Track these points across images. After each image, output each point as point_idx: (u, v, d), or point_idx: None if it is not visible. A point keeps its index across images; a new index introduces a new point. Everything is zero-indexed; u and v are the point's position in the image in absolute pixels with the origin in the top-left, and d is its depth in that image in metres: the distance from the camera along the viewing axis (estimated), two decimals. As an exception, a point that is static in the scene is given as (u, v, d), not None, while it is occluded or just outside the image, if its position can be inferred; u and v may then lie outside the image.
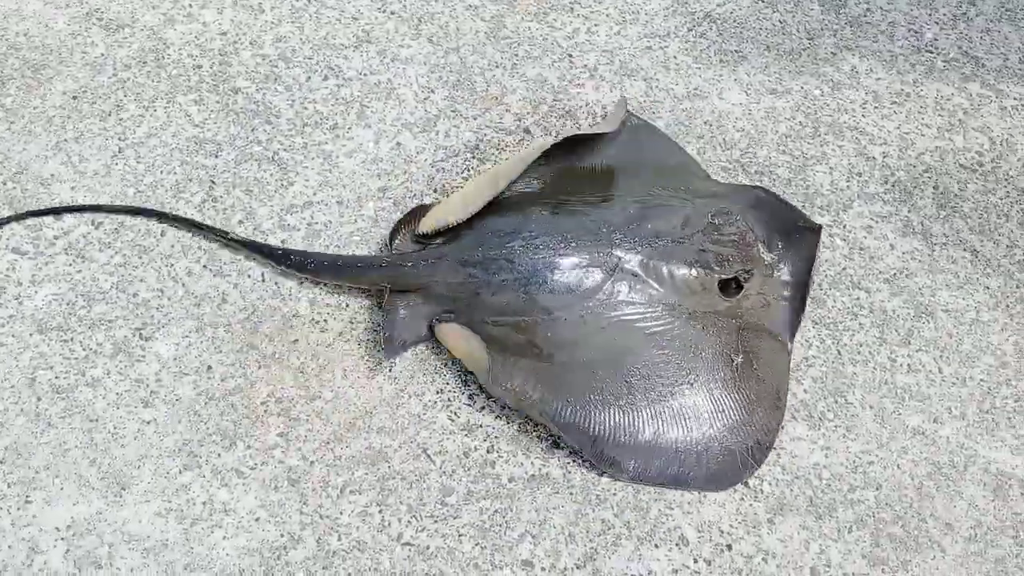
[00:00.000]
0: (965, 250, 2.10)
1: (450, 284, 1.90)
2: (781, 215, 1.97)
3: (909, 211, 2.15)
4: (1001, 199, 2.14)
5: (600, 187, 2.01)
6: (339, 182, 2.17)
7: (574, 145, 2.04)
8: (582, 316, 1.82)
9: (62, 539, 1.70)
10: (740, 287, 1.87)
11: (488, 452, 1.82)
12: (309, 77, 2.34)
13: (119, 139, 2.22)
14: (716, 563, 1.71)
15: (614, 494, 1.77)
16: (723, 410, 1.79)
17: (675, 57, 2.38)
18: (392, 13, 2.43)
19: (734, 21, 2.42)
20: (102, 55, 2.33)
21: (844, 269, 2.05)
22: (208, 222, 2.07)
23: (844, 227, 2.10)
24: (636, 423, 1.78)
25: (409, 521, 1.74)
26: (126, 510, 1.73)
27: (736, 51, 2.39)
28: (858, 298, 2.01)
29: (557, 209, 1.95)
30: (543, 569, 1.70)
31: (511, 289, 1.86)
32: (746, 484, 1.78)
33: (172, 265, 2.03)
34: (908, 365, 1.93)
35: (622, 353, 1.80)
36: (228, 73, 2.34)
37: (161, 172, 2.17)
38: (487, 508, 1.76)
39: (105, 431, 1.82)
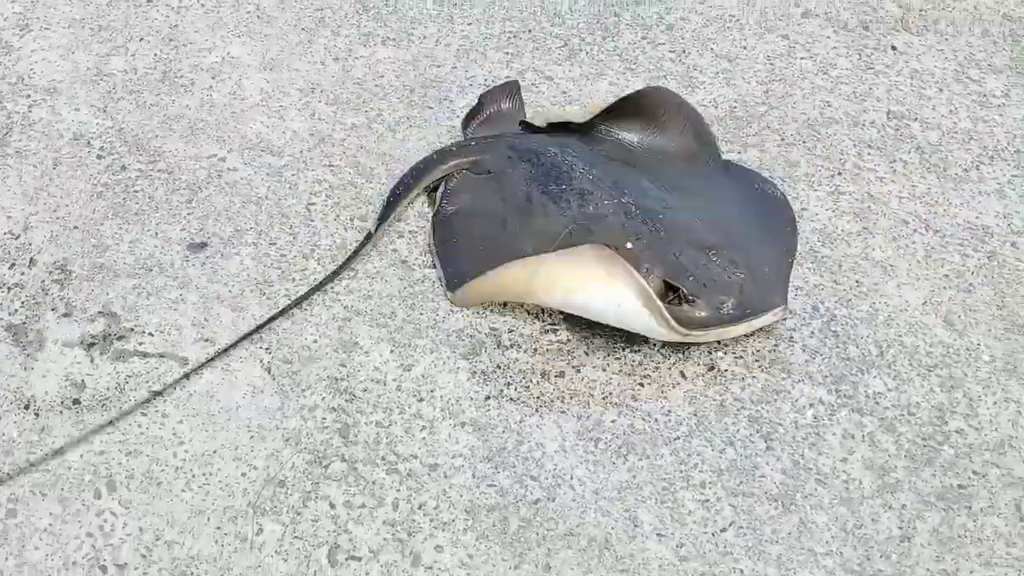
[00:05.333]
0: None
1: (492, 161, 2.29)
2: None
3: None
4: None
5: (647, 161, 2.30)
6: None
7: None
8: (570, 227, 2.11)
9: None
10: (680, 300, 1.96)
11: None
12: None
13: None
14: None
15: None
16: None
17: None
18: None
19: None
20: None
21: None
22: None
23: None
24: None
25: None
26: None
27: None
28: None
29: (614, 157, 2.29)
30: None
31: (529, 179, 2.21)
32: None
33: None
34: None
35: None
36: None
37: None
38: (475, 339, 2.07)
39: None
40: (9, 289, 2.06)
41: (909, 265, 2.24)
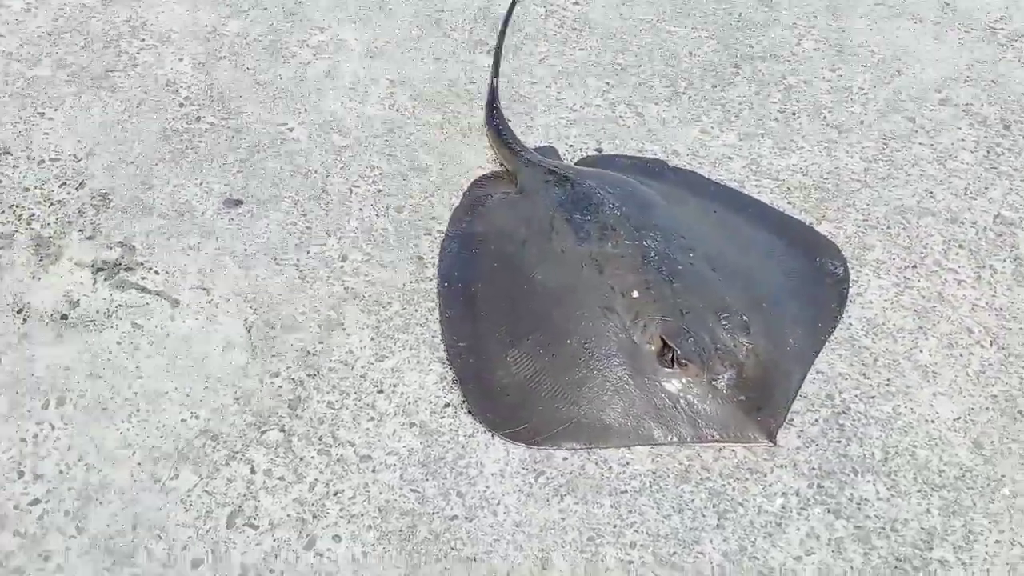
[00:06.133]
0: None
1: (529, 175, 2.28)
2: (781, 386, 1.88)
3: None
4: None
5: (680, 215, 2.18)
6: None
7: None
8: (577, 259, 2.03)
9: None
10: (672, 362, 1.84)
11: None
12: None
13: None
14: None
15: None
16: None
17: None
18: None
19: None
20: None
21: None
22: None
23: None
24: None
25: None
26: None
27: None
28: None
29: (667, 198, 2.21)
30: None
31: (558, 204, 2.16)
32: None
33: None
34: None
35: (562, 292, 1.99)
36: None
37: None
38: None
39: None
40: (51, 204, 2.19)
41: (955, 376, 2.01)
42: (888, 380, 2.01)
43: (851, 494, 1.81)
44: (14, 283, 2.03)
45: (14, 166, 2.27)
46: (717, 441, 1.85)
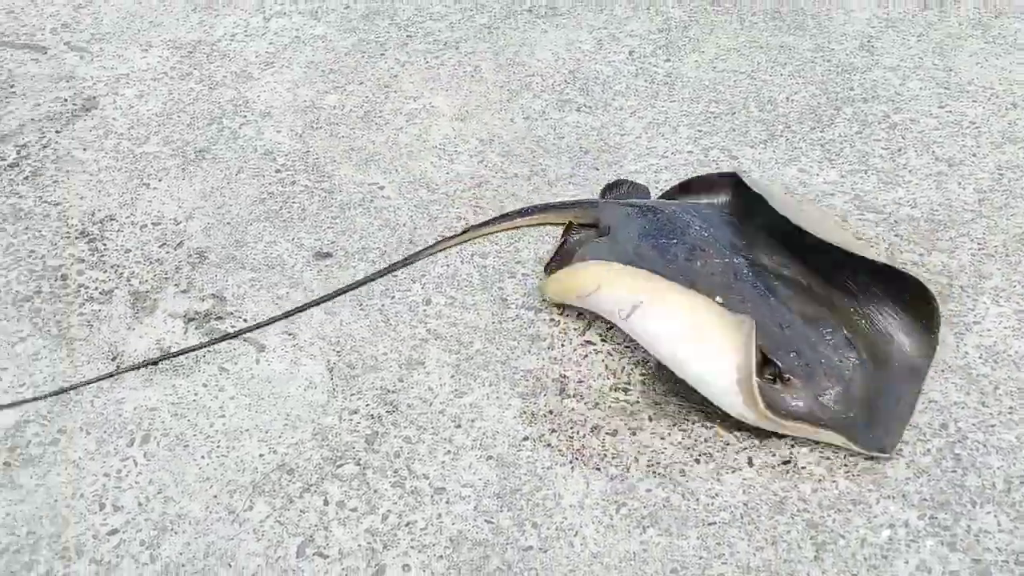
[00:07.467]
0: None
1: (609, 213, 2.23)
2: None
3: None
4: None
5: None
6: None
7: None
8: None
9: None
10: (774, 378, 1.76)
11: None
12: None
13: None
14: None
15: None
16: None
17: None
18: None
19: None
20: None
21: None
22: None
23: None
24: None
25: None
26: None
27: None
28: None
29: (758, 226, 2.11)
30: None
31: (641, 234, 2.11)
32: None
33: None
34: None
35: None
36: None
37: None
38: (540, 382, 2.18)
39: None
40: (151, 263, 2.29)
41: (1088, 402, 1.86)
42: (1011, 408, 1.87)
43: (968, 526, 1.66)
44: (110, 334, 2.11)
45: (118, 231, 2.40)
46: (825, 427, 1.73)
